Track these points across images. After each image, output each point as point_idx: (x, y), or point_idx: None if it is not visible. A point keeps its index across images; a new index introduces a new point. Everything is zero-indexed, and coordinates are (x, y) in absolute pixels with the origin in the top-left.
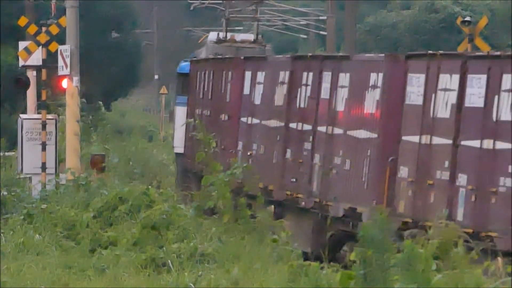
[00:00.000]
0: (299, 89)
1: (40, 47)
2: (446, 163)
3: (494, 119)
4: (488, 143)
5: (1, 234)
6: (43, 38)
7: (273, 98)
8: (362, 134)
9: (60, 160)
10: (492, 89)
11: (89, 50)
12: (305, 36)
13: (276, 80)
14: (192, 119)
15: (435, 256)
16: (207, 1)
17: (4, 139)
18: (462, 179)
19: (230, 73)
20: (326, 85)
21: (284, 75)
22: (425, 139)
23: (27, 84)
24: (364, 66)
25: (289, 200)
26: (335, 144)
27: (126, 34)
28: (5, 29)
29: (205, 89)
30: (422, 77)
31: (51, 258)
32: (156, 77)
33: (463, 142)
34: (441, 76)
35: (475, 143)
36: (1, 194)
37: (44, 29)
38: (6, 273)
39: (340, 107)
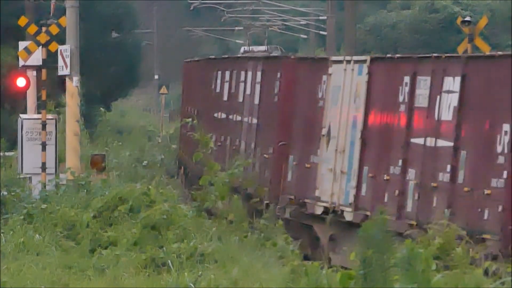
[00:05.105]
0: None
1: (40, 47)
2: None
3: None
4: None
5: (1, 234)
6: (43, 38)
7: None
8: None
9: (60, 160)
10: None
11: (89, 50)
12: (305, 36)
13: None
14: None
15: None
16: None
17: (4, 139)
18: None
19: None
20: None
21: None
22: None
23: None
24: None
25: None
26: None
27: (126, 34)
28: (5, 29)
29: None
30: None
31: (51, 258)
32: (156, 77)
33: None
34: None
35: None
36: (1, 194)
37: (44, 29)
38: (6, 273)
39: None
